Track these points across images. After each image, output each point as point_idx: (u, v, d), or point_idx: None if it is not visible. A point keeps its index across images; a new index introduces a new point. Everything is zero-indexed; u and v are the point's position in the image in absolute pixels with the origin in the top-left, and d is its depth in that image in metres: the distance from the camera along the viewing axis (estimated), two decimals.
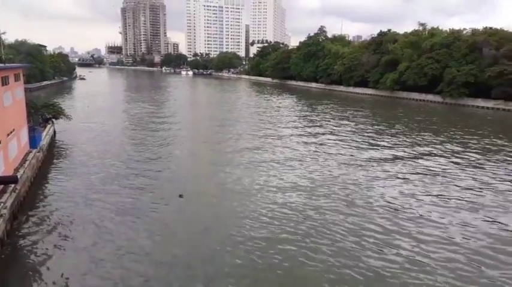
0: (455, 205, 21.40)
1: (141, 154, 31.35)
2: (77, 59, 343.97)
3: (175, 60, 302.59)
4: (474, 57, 71.48)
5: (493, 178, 26.51)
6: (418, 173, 27.27)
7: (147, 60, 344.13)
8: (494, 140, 39.80)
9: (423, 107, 71.14)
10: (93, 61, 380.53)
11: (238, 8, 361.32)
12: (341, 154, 32.64)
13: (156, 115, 54.78)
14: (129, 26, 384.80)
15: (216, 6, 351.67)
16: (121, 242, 16.59)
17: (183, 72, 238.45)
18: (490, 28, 77.52)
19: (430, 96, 78.50)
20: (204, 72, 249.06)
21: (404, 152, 34.00)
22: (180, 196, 21.87)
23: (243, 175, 26.12)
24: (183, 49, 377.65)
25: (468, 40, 74.41)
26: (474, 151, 34.63)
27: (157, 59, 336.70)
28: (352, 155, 32.27)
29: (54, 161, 29.84)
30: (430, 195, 22.83)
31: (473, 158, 31.79)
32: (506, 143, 37.97)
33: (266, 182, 24.91)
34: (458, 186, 24.65)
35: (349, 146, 35.79)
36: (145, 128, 43.69)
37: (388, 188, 23.99)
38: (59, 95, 79.38)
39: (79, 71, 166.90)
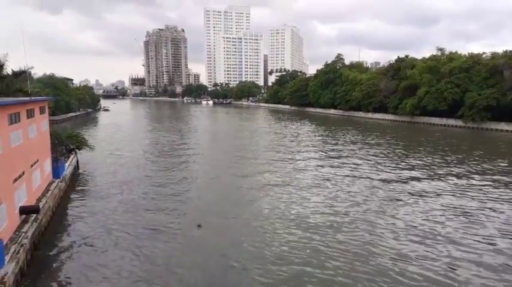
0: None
1: (163, 186, 31.54)
2: (101, 91, 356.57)
3: (196, 91, 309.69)
4: (495, 80, 70.45)
5: None
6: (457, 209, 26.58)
7: (168, 91, 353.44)
8: None
9: (446, 132, 69.84)
10: (117, 93, 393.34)
11: (257, 39, 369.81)
12: (370, 178, 32.25)
13: (177, 144, 55.80)
14: (151, 58, 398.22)
15: (235, 38, 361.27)
16: (140, 273, 16.70)
17: (204, 102, 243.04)
18: (510, 51, 76.63)
19: (451, 121, 77.19)
20: (224, 102, 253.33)
21: (436, 180, 33.19)
22: (199, 225, 21.85)
23: (265, 204, 26.05)
24: (203, 80, 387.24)
25: (488, 64, 73.63)
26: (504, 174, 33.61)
27: (178, 89, 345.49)
28: (384, 182, 31.83)
29: (77, 190, 30.53)
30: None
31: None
32: None
33: (289, 212, 24.57)
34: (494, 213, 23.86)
35: (377, 172, 35.32)
36: (167, 158, 44.43)
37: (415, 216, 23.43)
38: (84, 126, 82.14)
39: (103, 102, 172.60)
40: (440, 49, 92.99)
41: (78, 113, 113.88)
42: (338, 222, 22.48)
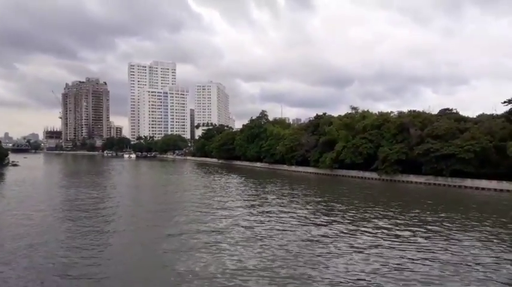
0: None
1: (75, 252, 28.29)
2: (10, 145, 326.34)
3: (117, 144, 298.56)
4: (403, 137, 77.69)
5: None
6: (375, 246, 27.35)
7: (87, 144, 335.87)
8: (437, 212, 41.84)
9: (362, 184, 74.23)
10: (28, 146, 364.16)
11: (183, 94, 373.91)
12: (296, 230, 32.22)
13: (94, 200, 51.57)
14: (70, 111, 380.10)
15: (161, 92, 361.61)
16: None
17: (126, 155, 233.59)
18: (414, 111, 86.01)
19: (367, 174, 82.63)
20: (148, 155, 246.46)
21: (356, 226, 34.36)
22: None
23: (196, 261, 24.53)
24: (126, 133, 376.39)
25: (396, 122, 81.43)
26: (424, 223, 35.87)
27: (98, 143, 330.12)
28: (307, 231, 31.97)
29: None
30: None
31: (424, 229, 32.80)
32: (445, 215, 39.95)
33: (223, 266, 23.48)
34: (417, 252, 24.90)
35: (302, 223, 35.57)
36: (82, 218, 40.55)
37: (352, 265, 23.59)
38: None
39: (13, 157, 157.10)
40: (354, 108, 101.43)
41: None
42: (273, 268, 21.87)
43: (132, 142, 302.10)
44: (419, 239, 30.41)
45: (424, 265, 24.24)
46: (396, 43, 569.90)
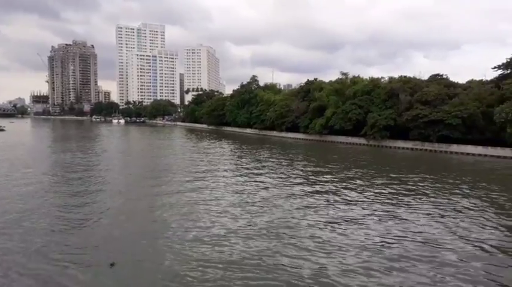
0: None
1: (66, 213, 28.53)
2: None
3: (106, 109, 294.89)
4: (392, 102, 78.00)
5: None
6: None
7: (75, 109, 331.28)
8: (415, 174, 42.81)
9: (351, 149, 75.13)
10: (15, 111, 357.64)
11: (172, 58, 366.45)
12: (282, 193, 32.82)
13: (83, 165, 51.54)
14: (56, 75, 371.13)
15: (150, 56, 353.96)
16: None
17: (115, 121, 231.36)
18: (405, 77, 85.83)
19: (355, 139, 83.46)
20: (137, 120, 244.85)
21: (338, 187, 35.08)
22: (112, 264, 18.71)
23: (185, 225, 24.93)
24: (114, 98, 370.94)
25: (386, 87, 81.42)
26: (403, 185, 36.76)
27: (87, 107, 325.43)
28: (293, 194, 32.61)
29: None
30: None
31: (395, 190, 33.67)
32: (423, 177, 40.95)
33: (208, 228, 23.95)
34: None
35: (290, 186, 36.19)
36: (71, 182, 40.61)
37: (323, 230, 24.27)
38: None
39: None
40: (344, 73, 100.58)
41: None
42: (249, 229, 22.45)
43: (120, 107, 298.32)
44: (388, 194, 31.31)
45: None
46: (390, 6, 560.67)
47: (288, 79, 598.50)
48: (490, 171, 49.16)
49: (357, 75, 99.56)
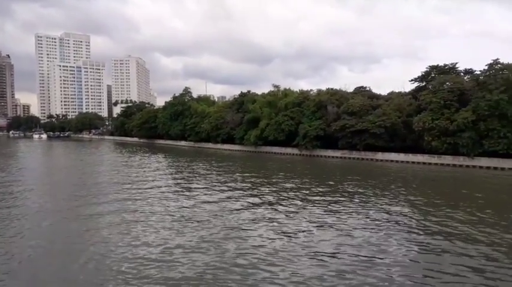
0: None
1: None
2: None
3: (25, 123, 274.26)
4: (321, 113, 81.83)
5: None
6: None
7: None
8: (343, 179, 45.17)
9: (285, 159, 77.30)
10: None
11: (99, 69, 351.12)
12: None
13: (4, 184, 46.91)
14: None
15: (74, 67, 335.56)
16: None
17: (35, 136, 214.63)
18: (332, 89, 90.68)
19: (289, 150, 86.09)
20: (62, 135, 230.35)
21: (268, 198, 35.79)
22: None
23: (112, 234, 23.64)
24: (35, 111, 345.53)
25: (315, 99, 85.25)
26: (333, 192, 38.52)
27: (2, 122, 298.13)
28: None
29: None
30: None
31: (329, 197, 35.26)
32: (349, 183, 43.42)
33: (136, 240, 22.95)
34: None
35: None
36: None
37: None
38: None
39: None
40: (276, 86, 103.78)
41: None
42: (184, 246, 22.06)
43: (42, 121, 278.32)
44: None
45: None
46: (316, 20, 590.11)
47: (221, 91, 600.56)
48: (412, 176, 53.46)
49: (288, 88, 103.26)
